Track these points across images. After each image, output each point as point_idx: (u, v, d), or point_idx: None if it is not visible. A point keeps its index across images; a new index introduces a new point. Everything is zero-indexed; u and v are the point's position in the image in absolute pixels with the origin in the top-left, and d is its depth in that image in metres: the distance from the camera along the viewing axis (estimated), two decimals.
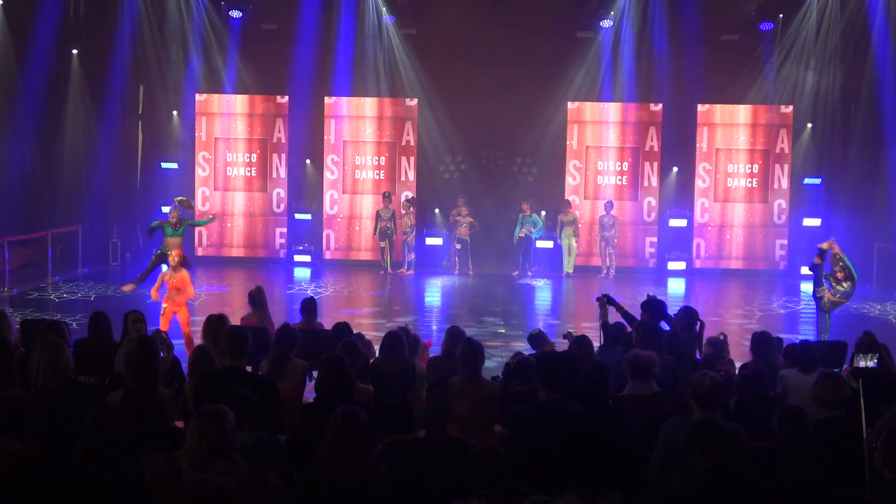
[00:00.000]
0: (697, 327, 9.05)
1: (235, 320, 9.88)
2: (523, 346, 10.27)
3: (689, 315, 9.00)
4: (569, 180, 21.67)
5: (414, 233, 20.80)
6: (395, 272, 20.56)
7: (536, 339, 8.58)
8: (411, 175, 21.82)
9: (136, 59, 20.63)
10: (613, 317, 9.14)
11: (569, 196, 21.38)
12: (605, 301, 9.20)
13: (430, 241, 21.11)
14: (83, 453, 4.80)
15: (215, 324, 7.95)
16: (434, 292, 18.82)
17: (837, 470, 5.52)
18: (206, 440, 4.69)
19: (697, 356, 8.95)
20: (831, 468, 5.52)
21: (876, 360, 5.84)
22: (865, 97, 20.35)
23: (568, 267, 20.63)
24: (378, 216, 20.77)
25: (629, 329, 8.64)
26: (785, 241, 21.46)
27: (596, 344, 8.56)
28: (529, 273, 20.63)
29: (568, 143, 21.69)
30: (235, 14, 20.94)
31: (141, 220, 21.59)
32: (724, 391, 6.02)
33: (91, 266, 19.87)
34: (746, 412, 6.87)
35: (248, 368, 7.54)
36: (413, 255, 20.84)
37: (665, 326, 8.88)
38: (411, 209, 20.87)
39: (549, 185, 22.09)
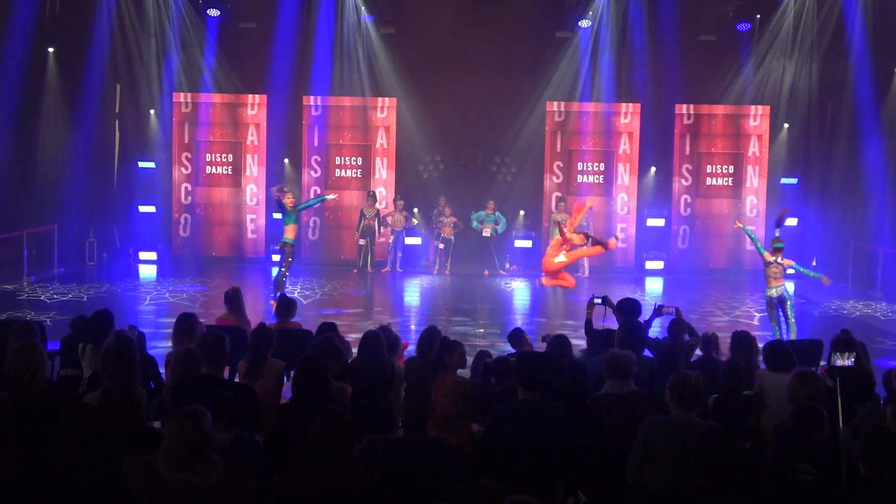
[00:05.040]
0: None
1: (211, 320, 9.86)
2: (500, 346, 10.29)
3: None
4: (552, 179, 21.72)
5: (404, 232, 20.79)
6: (379, 271, 20.54)
7: (516, 338, 8.58)
8: (388, 174, 21.81)
9: (113, 57, 20.50)
10: (607, 319, 9.18)
11: (551, 194, 21.44)
12: (594, 302, 9.23)
13: (408, 240, 21.08)
14: (61, 454, 4.77)
15: (185, 323, 7.89)
16: (413, 292, 18.81)
17: (816, 467, 5.55)
18: (183, 441, 4.67)
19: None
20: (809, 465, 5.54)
21: (853, 359, 5.87)
22: (841, 97, 20.49)
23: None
24: (362, 214, 20.76)
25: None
26: (760, 239, 21.57)
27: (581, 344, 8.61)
28: (502, 272, 20.65)
29: (547, 143, 21.75)
30: (213, 12, 20.84)
31: (118, 219, 21.51)
32: (703, 391, 6.04)
33: (67, 266, 19.73)
34: (724, 410, 6.91)
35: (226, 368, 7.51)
36: (400, 254, 20.84)
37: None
38: (403, 210, 20.88)
39: (528, 185, 22.13)
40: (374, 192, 20.99)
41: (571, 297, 16.74)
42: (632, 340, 7.86)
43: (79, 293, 16.76)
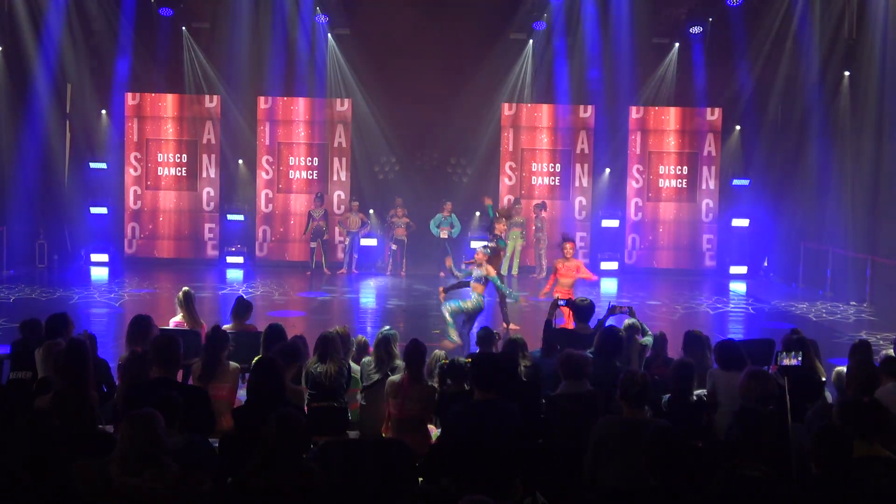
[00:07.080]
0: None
1: (165, 322, 9.77)
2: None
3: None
4: (504, 181, 21.81)
5: (360, 233, 20.75)
6: (335, 272, 20.48)
7: (485, 338, 8.54)
8: (344, 176, 21.75)
9: (63, 57, 20.23)
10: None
11: (504, 196, 21.53)
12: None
13: (364, 241, 21.04)
14: (12, 458, 4.70)
15: (139, 325, 7.81)
16: (368, 293, 18.76)
17: (765, 464, 5.61)
18: (136, 444, 4.63)
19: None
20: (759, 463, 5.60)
21: (799, 358, 5.95)
22: (789, 99, 20.74)
23: (511, 269, 20.70)
24: (310, 216, 20.70)
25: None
26: (714, 241, 21.85)
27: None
28: (457, 273, 20.62)
29: (502, 144, 21.82)
30: (166, 12, 20.64)
31: (69, 220, 21.19)
32: (654, 389, 6.08)
33: (17, 268, 19.45)
34: (677, 409, 6.97)
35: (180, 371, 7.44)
36: (356, 256, 20.80)
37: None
38: (359, 212, 20.81)
39: (483, 186, 22.15)
40: (320, 194, 20.97)
41: (532, 298, 16.82)
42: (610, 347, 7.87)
43: (30, 295, 16.52)
